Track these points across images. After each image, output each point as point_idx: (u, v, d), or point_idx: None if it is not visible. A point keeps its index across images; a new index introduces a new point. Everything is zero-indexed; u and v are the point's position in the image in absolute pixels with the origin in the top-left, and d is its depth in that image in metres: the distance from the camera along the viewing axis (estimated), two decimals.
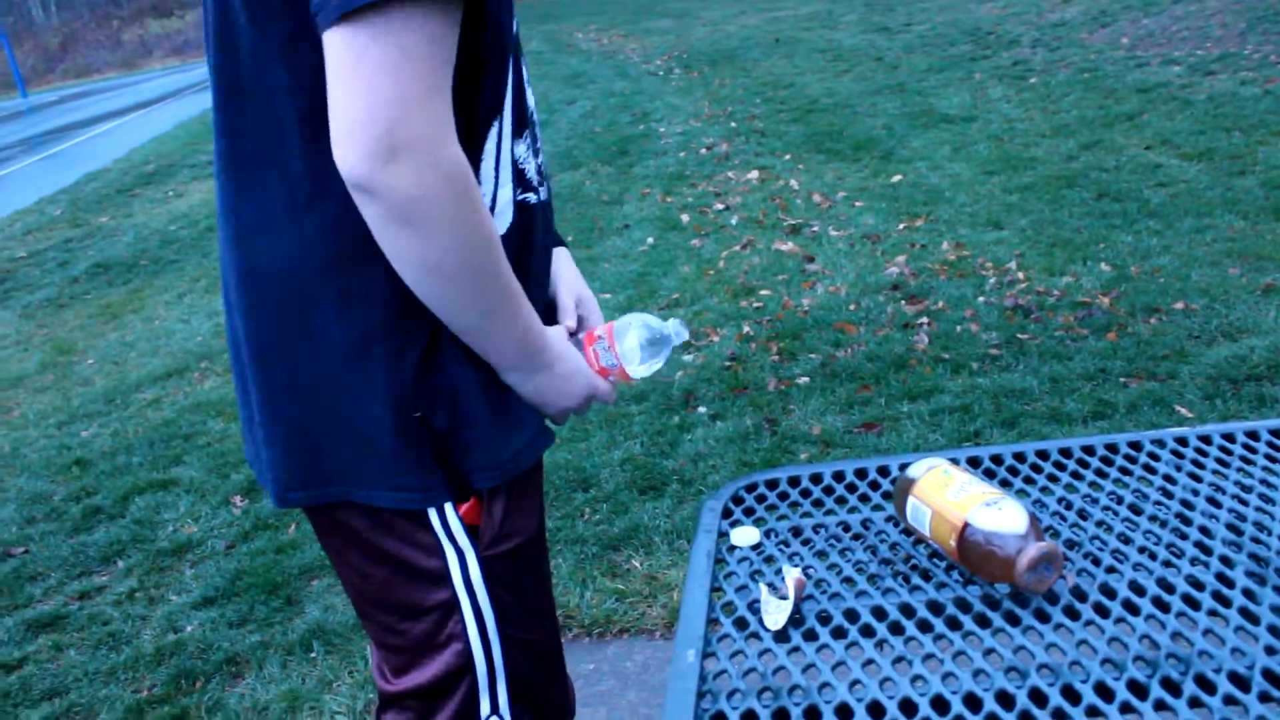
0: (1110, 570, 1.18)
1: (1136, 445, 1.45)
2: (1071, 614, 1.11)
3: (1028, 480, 1.41)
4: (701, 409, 3.75)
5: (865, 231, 5.49)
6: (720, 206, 6.37)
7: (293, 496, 1.24)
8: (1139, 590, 1.13)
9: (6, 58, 34.17)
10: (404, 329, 1.16)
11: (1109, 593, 1.14)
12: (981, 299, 4.37)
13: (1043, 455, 1.46)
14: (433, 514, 1.21)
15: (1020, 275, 4.56)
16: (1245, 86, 7.24)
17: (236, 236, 1.20)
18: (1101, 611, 1.10)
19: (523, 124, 1.23)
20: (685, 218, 6.23)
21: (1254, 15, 8.96)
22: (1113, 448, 1.45)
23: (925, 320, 4.20)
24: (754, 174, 6.97)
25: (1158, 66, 8.28)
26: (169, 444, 4.35)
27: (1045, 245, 4.91)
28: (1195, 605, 1.09)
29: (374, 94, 0.99)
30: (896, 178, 6.42)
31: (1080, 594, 1.14)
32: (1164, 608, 1.10)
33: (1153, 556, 1.20)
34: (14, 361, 5.96)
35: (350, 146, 1.00)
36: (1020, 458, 1.46)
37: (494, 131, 1.18)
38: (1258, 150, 5.94)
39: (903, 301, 4.45)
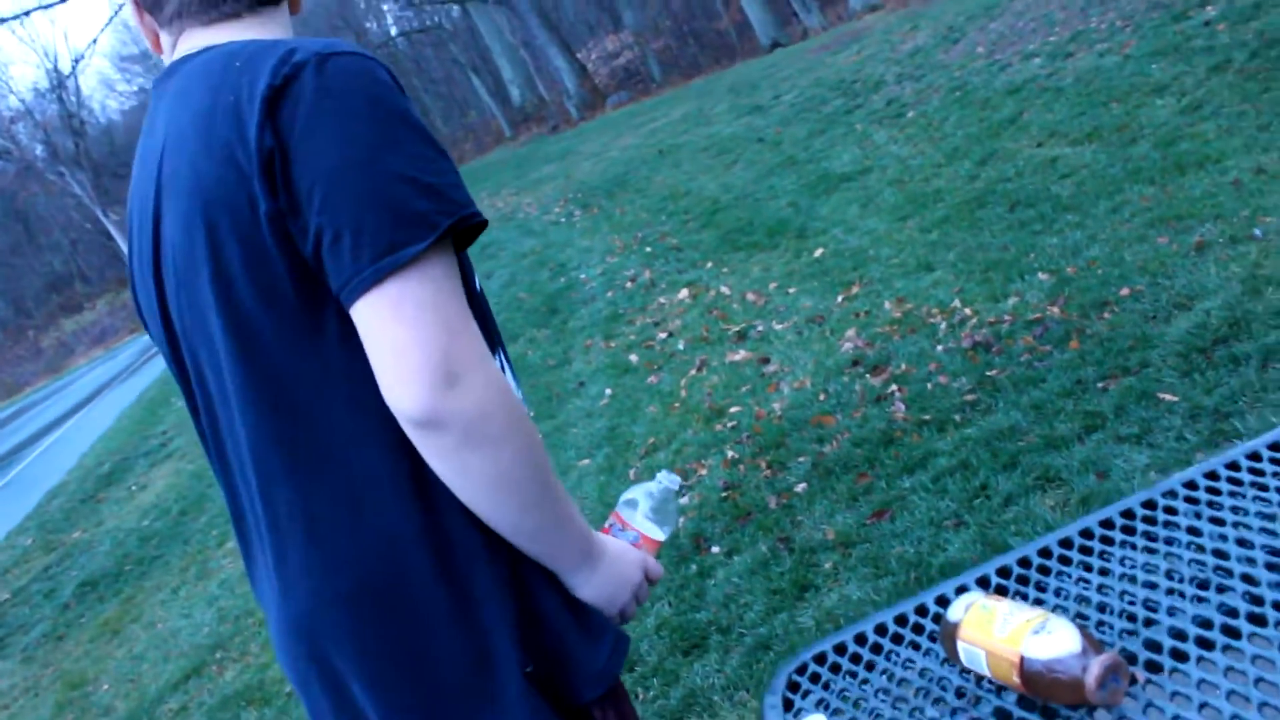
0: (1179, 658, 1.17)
1: (1150, 504, 1.45)
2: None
3: (1059, 574, 1.41)
4: (715, 549, 3.73)
5: (808, 315, 5.55)
6: (663, 335, 6.42)
7: None
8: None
9: None
10: (500, 590, 1.19)
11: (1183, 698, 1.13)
12: (940, 348, 4.41)
13: (1066, 544, 1.46)
14: None
15: (968, 311, 4.61)
16: (1105, 58, 7.47)
17: (307, 551, 1.19)
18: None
19: (494, 341, 1.29)
20: (634, 358, 6.27)
21: None
22: (1129, 514, 1.45)
23: (895, 388, 4.23)
24: (684, 292, 7.04)
25: (1019, 64, 8.53)
26: None
27: (980, 273, 4.98)
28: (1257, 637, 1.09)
29: (423, 332, 1.07)
30: (818, 252, 6.52)
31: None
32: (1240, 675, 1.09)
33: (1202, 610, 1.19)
34: (29, 712, 5.82)
35: (411, 386, 1.07)
36: (1046, 553, 1.46)
37: (500, 358, 1.27)
38: (1138, 115, 6.11)
39: (867, 375, 4.48)
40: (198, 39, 1.27)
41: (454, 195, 1.12)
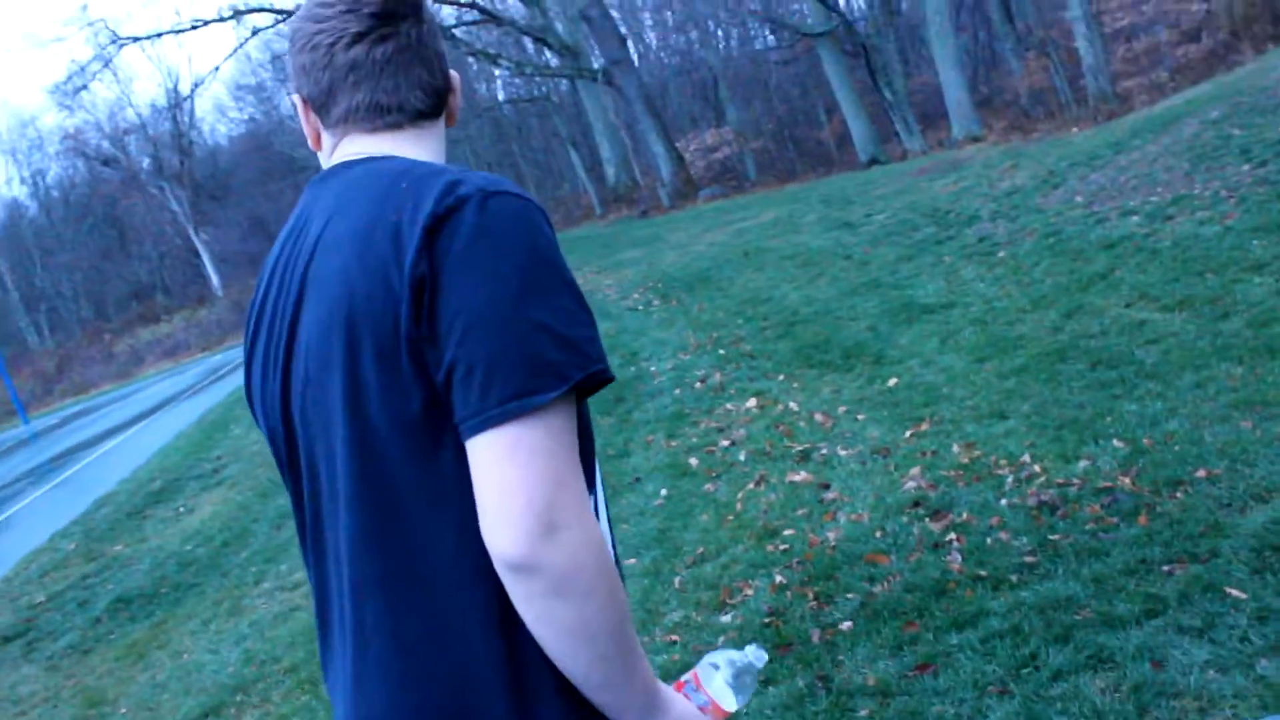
0: None
1: None
2: None
3: None
4: None
5: (874, 446, 5.50)
6: (726, 443, 6.39)
7: None
8: None
9: (6, 387, 34.88)
10: None
11: None
12: (1004, 501, 4.34)
13: None
14: None
15: (1036, 468, 4.54)
16: (1205, 226, 7.40)
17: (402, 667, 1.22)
18: None
19: (592, 478, 1.32)
20: (694, 461, 6.25)
21: (1193, 154, 9.25)
22: None
23: (954, 536, 4.16)
24: (752, 401, 7.03)
25: (1117, 220, 8.49)
26: None
27: (1053, 429, 4.91)
28: None
29: (533, 477, 1.11)
30: (892, 381, 6.49)
31: None
32: None
33: None
34: None
35: (511, 530, 1.11)
36: None
37: (597, 495, 1.30)
38: (1234, 289, 6.02)
39: (927, 519, 4.42)
40: (359, 145, 1.34)
41: (587, 350, 1.17)
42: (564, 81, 33.99)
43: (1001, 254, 8.79)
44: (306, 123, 1.41)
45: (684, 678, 1.41)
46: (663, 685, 1.31)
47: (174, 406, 21.40)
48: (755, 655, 1.42)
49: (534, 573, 1.12)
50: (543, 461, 1.12)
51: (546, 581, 1.12)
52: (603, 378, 1.19)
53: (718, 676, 1.39)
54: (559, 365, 1.14)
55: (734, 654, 1.41)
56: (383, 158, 1.30)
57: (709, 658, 1.42)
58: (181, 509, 10.42)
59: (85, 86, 32.87)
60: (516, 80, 38.79)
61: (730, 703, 1.38)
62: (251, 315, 1.38)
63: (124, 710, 5.59)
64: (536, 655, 1.20)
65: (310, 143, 1.43)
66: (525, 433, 1.12)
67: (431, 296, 1.14)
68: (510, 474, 1.11)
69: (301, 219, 1.33)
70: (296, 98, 1.39)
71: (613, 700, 1.23)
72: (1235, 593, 3.23)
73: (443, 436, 1.17)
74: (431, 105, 1.39)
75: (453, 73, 1.43)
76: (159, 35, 28.88)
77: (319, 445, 1.25)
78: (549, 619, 1.15)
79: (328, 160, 1.39)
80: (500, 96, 42.69)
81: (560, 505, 1.12)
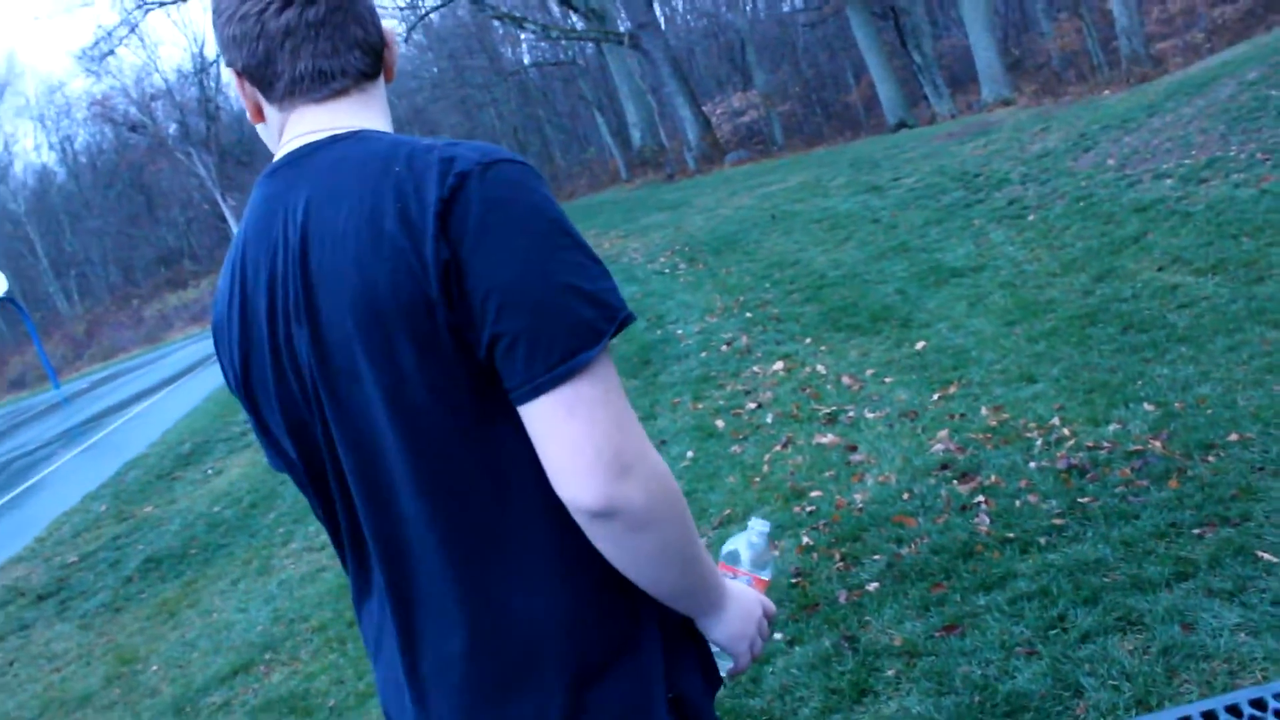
0: None
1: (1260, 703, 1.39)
2: None
3: None
4: (777, 635, 3.66)
5: (901, 409, 5.47)
6: (752, 405, 6.38)
7: None
8: None
9: (37, 352, 35.23)
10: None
11: None
12: (1033, 464, 4.31)
13: None
14: None
15: (1066, 431, 4.51)
16: (1240, 189, 7.30)
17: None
18: None
19: None
20: (720, 423, 6.24)
21: (1229, 117, 9.10)
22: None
23: (982, 499, 4.14)
24: (779, 364, 7.00)
25: (1150, 183, 8.37)
26: None
27: (1083, 393, 4.87)
28: None
29: (597, 428, 1.17)
30: (920, 345, 6.44)
31: None
32: None
33: None
34: (79, 679, 5.92)
35: (589, 479, 1.16)
36: None
37: None
38: (1269, 253, 5.94)
39: (955, 481, 4.39)
40: (311, 120, 1.33)
41: (612, 300, 1.22)
42: (590, 45, 33.80)
43: (1031, 217, 8.69)
44: (244, 95, 1.38)
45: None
46: (724, 578, 1.40)
47: (201, 370, 21.55)
48: (761, 526, 1.53)
49: (616, 515, 1.18)
50: (600, 412, 1.17)
51: (629, 520, 1.18)
52: (628, 322, 1.23)
53: (743, 559, 1.50)
54: (593, 321, 1.18)
55: (745, 536, 1.52)
56: (348, 136, 1.29)
57: (726, 548, 1.53)
58: (210, 471, 10.51)
59: (112, 52, 33.01)
60: (542, 44, 38.60)
61: (764, 573, 1.51)
62: (230, 317, 1.34)
63: (155, 668, 5.66)
64: (610, 595, 1.27)
65: (250, 115, 1.41)
66: (577, 390, 1.17)
67: (459, 279, 1.17)
68: (573, 431, 1.16)
69: (270, 212, 1.31)
70: (230, 71, 1.37)
71: (691, 604, 1.33)
72: (1267, 556, 3.20)
73: (494, 407, 1.21)
74: (372, 64, 1.37)
75: (385, 25, 1.40)
76: (184, 0, 28.85)
77: (361, 439, 1.26)
78: (635, 552, 1.22)
79: (277, 138, 1.37)
80: (526, 60, 42.55)
81: (625, 447, 1.18)
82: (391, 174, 1.20)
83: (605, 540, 1.21)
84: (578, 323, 1.17)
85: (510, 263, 1.17)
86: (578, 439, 1.17)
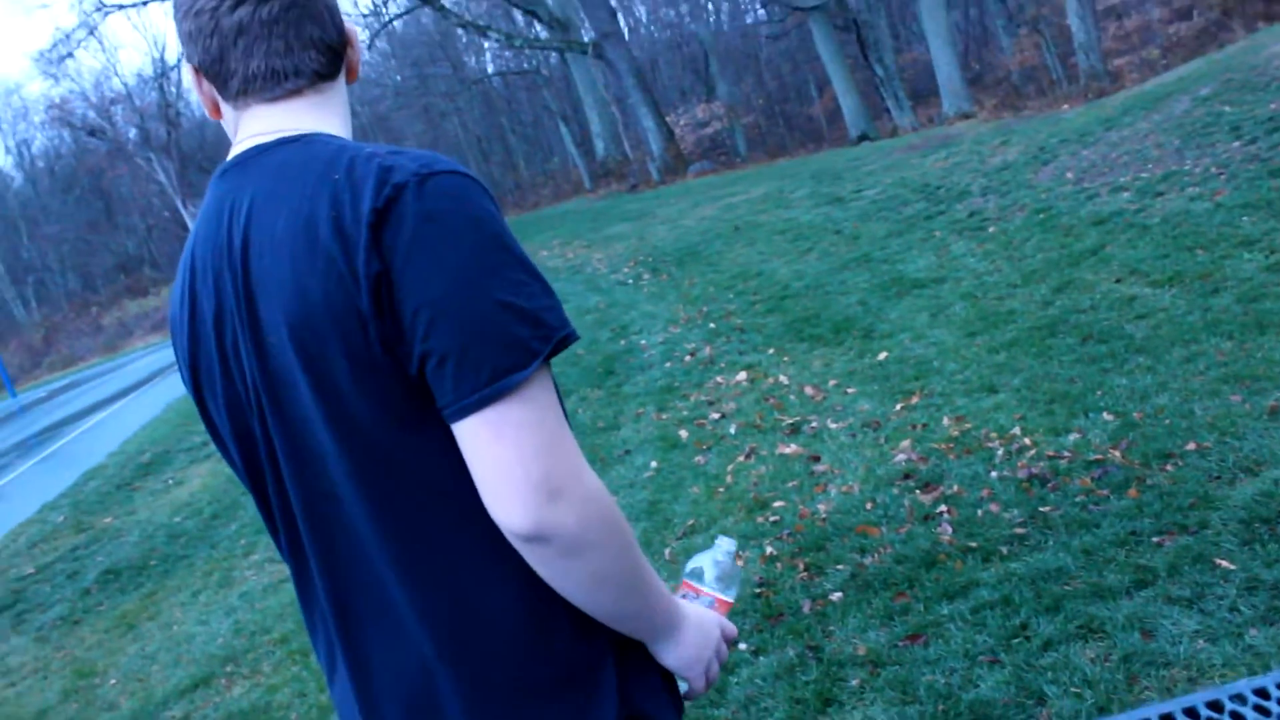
0: None
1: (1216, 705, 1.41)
2: None
3: None
4: (741, 645, 3.68)
5: (864, 419, 5.51)
6: (716, 416, 6.40)
7: None
8: None
9: None
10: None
11: None
12: (994, 474, 4.35)
13: None
14: None
15: (1027, 441, 4.55)
16: (1195, 202, 7.40)
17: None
18: None
19: None
20: (684, 434, 6.25)
21: (1184, 131, 9.24)
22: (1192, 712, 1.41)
23: (944, 508, 4.17)
24: (742, 375, 7.03)
25: (1107, 195, 8.48)
26: None
27: (1043, 403, 4.92)
28: None
29: (524, 451, 1.13)
30: (882, 355, 6.49)
31: None
32: None
33: None
34: (35, 694, 5.83)
35: (515, 504, 1.13)
36: None
37: None
38: (1224, 265, 6.03)
39: (917, 491, 4.43)
40: (264, 120, 1.30)
41: (549, 319, 1.18)
42: (554, 54, 33.84)
43: (992, 229, 8.78)
44: (201, 92, 1.36)
45: (680, 593, 1.44)
46: (678, 600, 1.35)
47: (162, 380, 21.34)
48: (728, 544, 1.48)
49: (547, 540, 1.14)
50: (530, 434, 1.14)
51: (561, 545, 1.15)
52: (569, 342, 1.19)
53: (706, 579, 1.45)
54: (527, 341, 1.15)
55: (711, 554, 1.47)
56: (296, 140, 1.26)
57: (690, 565, 1.48)
58: (170, 481, 10.41)
59: (70, 54, 32.62)
60: (506, 53, 38.65)
61: (728, 593, 1.45)
62: (183, 318, 1.33)
63: (114, 681, 5.59)
64: (558, 610, 1.24)
65: (209, 112, 1.39)
66: (507, 412, 1.13)
67: (389, 293, 1.14)
68: (502, 453, 1.13)
69: (219, 213, 1.28)
70: (188, 67, 1.34)
71: (636, 627, 1.29)
72: (1224, 564, 3.24)
73: (436, 417, 1.18)
74: (329, 64, 1.33)
75: (349, 25, 1.37)
76: (145, 2, 28.62)
77: (300, 447, 1.24)
78: (567, 576, 1.19)
79: (233, 135, 1.34)
80: (490, 69, 42.50)
81: (556, 471, 1.14)
82: (330, 181, 1.17)
83: (538, 564, 1.18)
84: (511, 342, 1.14)
85: (441, 278, 1.13)
86: (506, 461, 1.13)
